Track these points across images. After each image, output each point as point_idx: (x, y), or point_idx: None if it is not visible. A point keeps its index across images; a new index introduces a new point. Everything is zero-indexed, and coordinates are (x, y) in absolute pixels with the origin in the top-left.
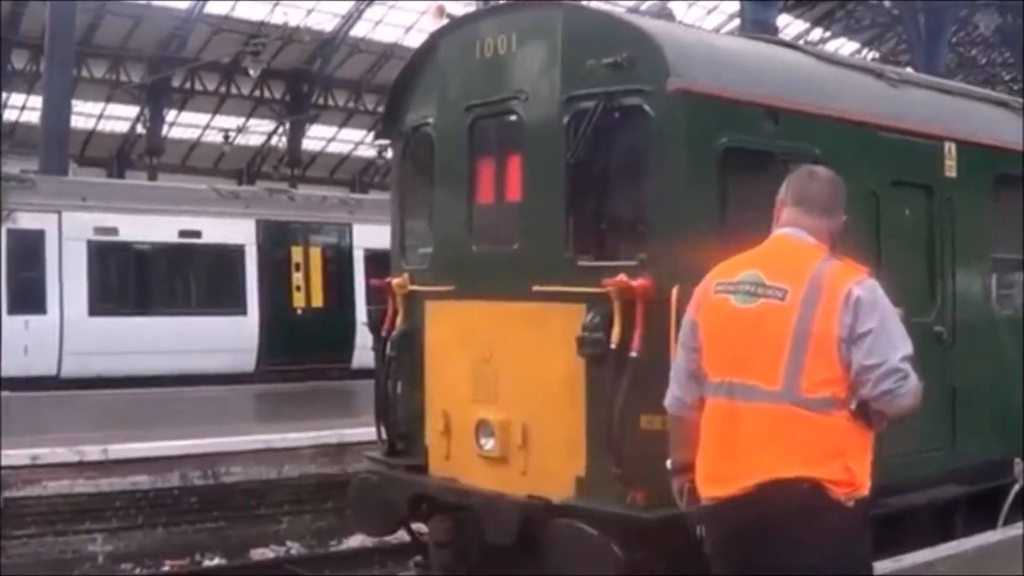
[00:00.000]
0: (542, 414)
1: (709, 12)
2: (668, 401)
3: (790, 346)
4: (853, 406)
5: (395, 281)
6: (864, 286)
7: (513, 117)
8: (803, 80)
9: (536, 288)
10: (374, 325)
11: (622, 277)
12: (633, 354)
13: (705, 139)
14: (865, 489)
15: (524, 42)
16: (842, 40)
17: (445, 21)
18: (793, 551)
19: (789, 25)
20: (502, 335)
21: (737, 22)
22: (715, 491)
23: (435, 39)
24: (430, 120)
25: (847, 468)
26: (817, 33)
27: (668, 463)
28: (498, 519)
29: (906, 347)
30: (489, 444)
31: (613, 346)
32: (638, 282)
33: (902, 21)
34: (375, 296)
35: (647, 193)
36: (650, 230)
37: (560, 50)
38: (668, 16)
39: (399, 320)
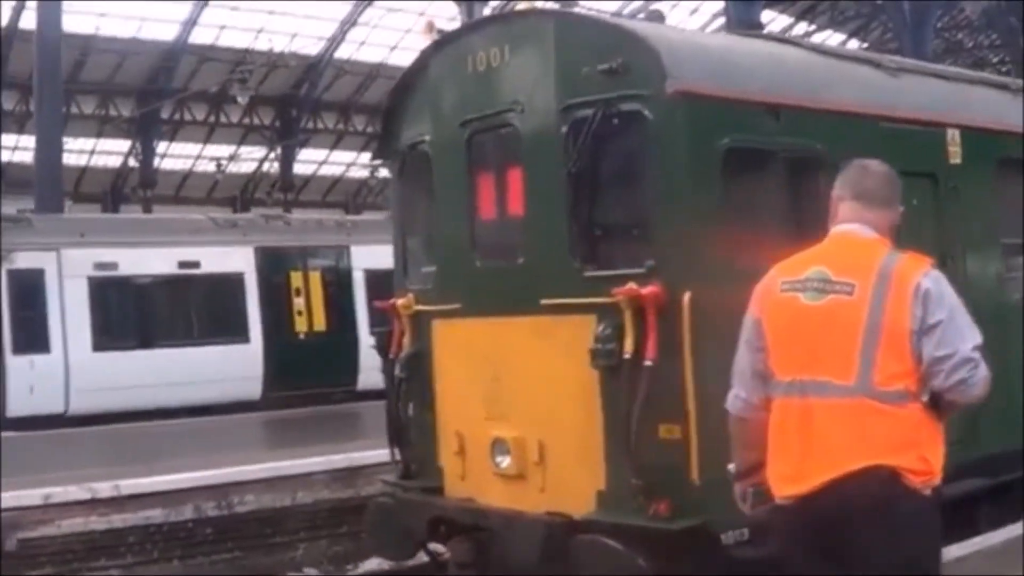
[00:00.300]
0: (557, 429)
1: (692, 12)
2: (731, 403)
3: (862, 340)
4: (925, 398)
5: (400, 302)
6: (931, 277)
7: (510, 129)
8: (801, 75)
9: (544, 301)
10: (382, 347)
11: (631, 285)
12: (648, 363)
13: (706, 140)
14: (938, 478)
15: (517, 53)
16: (827, 32)
17: (435, 37)
18: (875, 540)
19: (773, 20)
20: (512, 351)
21: (720, 21)
22: (793, 489)
23: (426, 56)
24: (426, 137)
25: (922, 458)
26: (802, 27)
27: (730, 467)
28: (520, 538)
29: (975, 337)
30: (505, 462)
31: (627, 356)
32: (648, 289)
33: (886, 10)
34: (380, 317)
35: (651, 198)
36: (656, 236)
37: (554, 59)
38: (658, 19)
39: (406, 341)
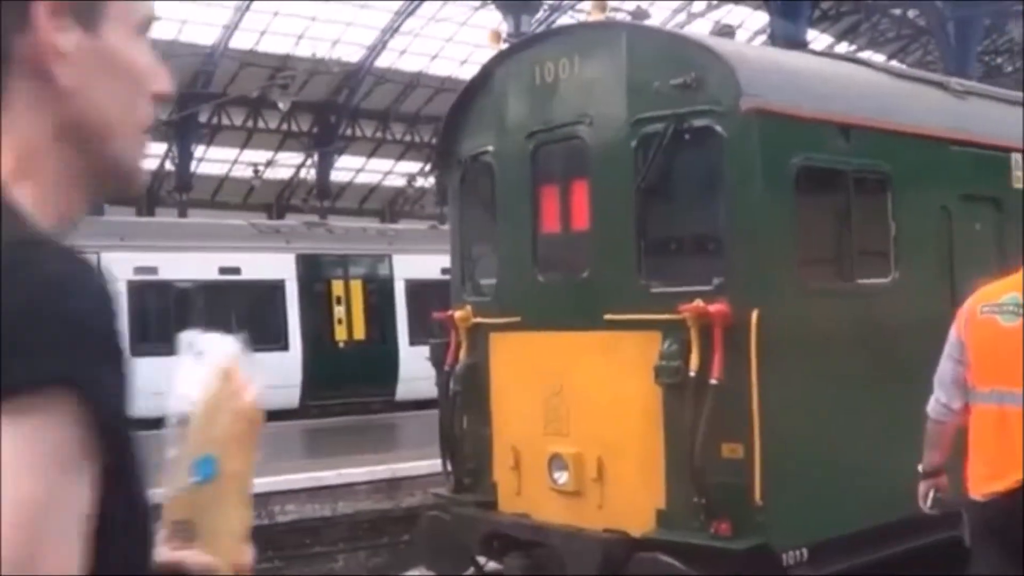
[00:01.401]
0: (617, 446)
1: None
2: (932, 407)
3: None
4: None
5: (458, 314)
6: None
7: (578, 142)
8: (871, 95)
9: (608, 316)
10: (437, 359)
11: (698, 302)
12: (713, 381)
13: (779, 158)
14: None
15: (587, 65)
16: (868, 53)
17: (502, 46)
18: None
19: (815, 40)
20: (572, 366)
21: (762, 38)
22: (993, 487)
23: (491, 66)
24: (489, 148)
25: None
26: (843, 47)
27: (920, 467)
28: (579, 555)
29: None
30: (563, 478)
31: (692, 373)
32: (715, 307)
33: (932, 32)
34: (436, 329)
35: (721, 215)
36: (725, 253)
37: (625, 71)
38: (728, 34)
39: (463, 354)
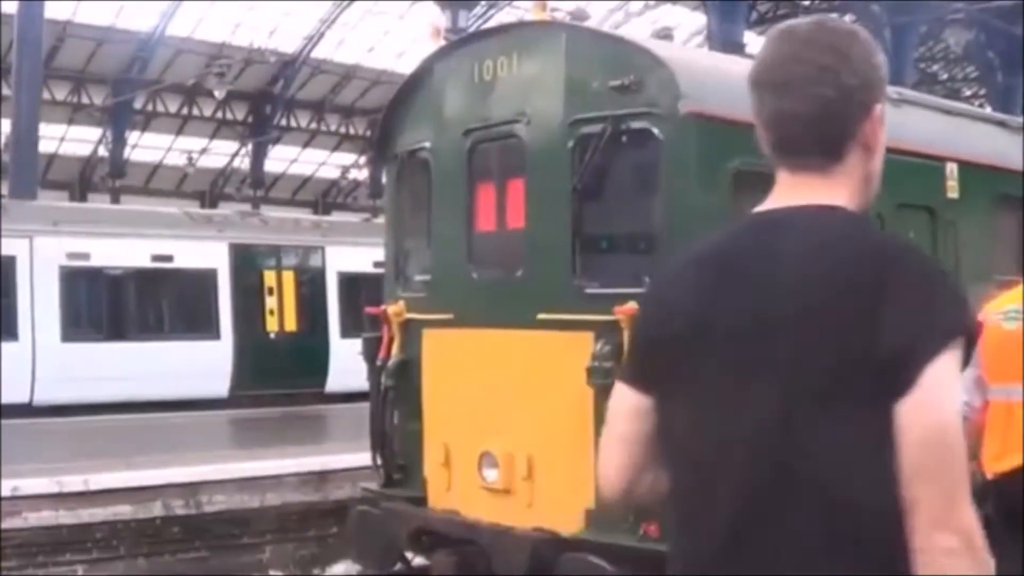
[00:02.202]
0: (548, 445)
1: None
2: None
3: None
4: None
5: (391, 309)
6: None
7: (515, 141)
8: None
9: (541, 316)
10: (369, 354)
11: (632, 304)
12: None
13: (716, 162)
14: None
15: (526, 63)
16: None
17: (442, 42)
18: None
19: (752, 43)
20: (505, 364)
21: (699, 40)
22: (997, 467)
23: (431, 61)
24: (426, 144)
25: None
26: None
27: None
28: (506, 553)
29: None
30: (493, 475)
31: None
32: None
33: None
34: (368, 323)
35: (656, 218)
36: (661, 255)
37: (564, 72)
38: (666, 37)
39: (395, 349)
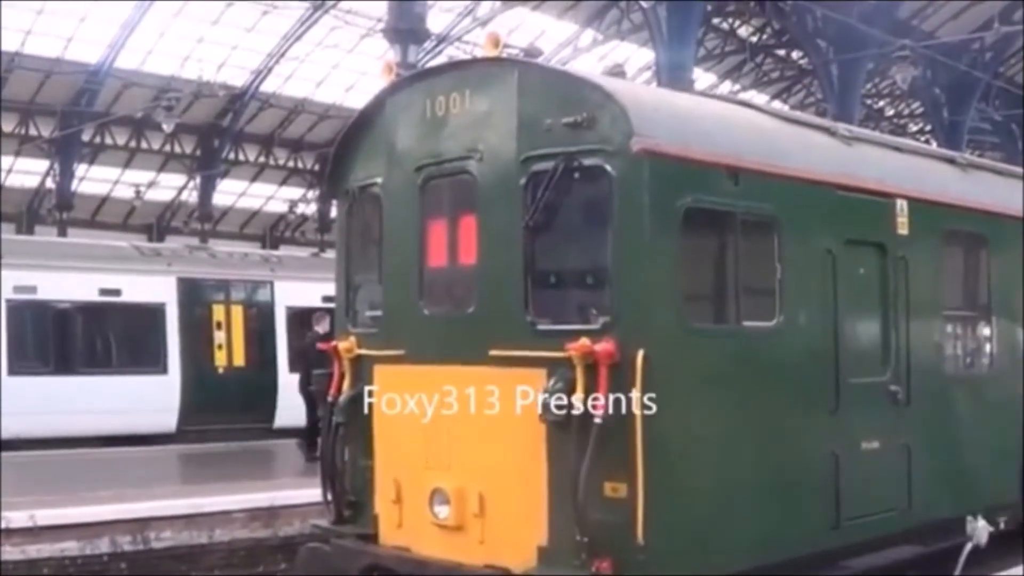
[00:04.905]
0: (500, 481)
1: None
2: None
3: None
4: None
5: (342, 345)
6: None
7: (467, 177)
8: (760, 139)
9: (493, 352)
10: (320, 390)
11: (584, 341)
12: (597, 420)
13: (668, 199)
14: None
15: (478, 100)
16: (752, 92)
17: (393, 78)
18: None
19: (700, 79)
20: (456, 400)
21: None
22: None
23: (383, 96)
24: (378, 180)
25: None
26: (726, 86)
27: None
28: None
29: None
30: (444, 512)
31: (576, 411)
32: (601, 346)
33: (816, 73)
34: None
35: (609, 255)
36: (612, 292)
37: (516, 109)
38: (619, 74)
39: (346, 385)
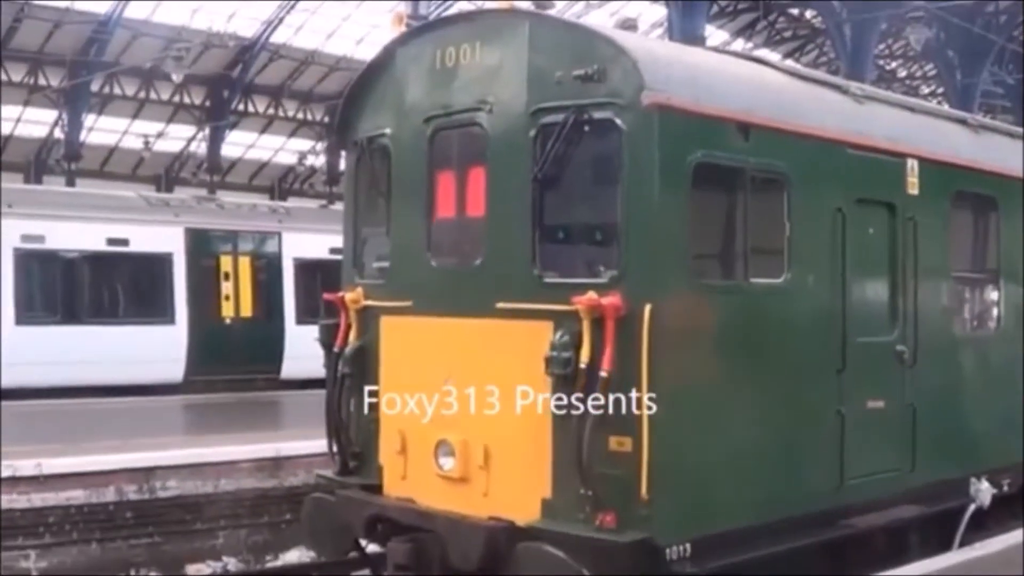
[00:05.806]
0: (505, 434)
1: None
2: None
3: None
4: None
5: (348, 296)
6: None
7: (476, 129)
8: (772, 96)
9: (500, 305)
10: (326, 340)
11: (591, 295)
12: (603, 374)
13: (678, 154)
14: None
15: (488, 51)
16: (764, 51)
17: (404, 29)
18: None
19: (712, 36)
20: (462, 352)
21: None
22: None
23: (392, 47)
24: (387, 131)
25: None
26: (739, 44)
27: None
28: (462, 542)
29: None
30: (449, 464)
31: (582, 365)
32: (608, 300)
33: (829, 34)
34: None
35: (617, 209)
36: (620, 246)
37: (527, 60)
38: (631, 27)
39: (352, 336)
